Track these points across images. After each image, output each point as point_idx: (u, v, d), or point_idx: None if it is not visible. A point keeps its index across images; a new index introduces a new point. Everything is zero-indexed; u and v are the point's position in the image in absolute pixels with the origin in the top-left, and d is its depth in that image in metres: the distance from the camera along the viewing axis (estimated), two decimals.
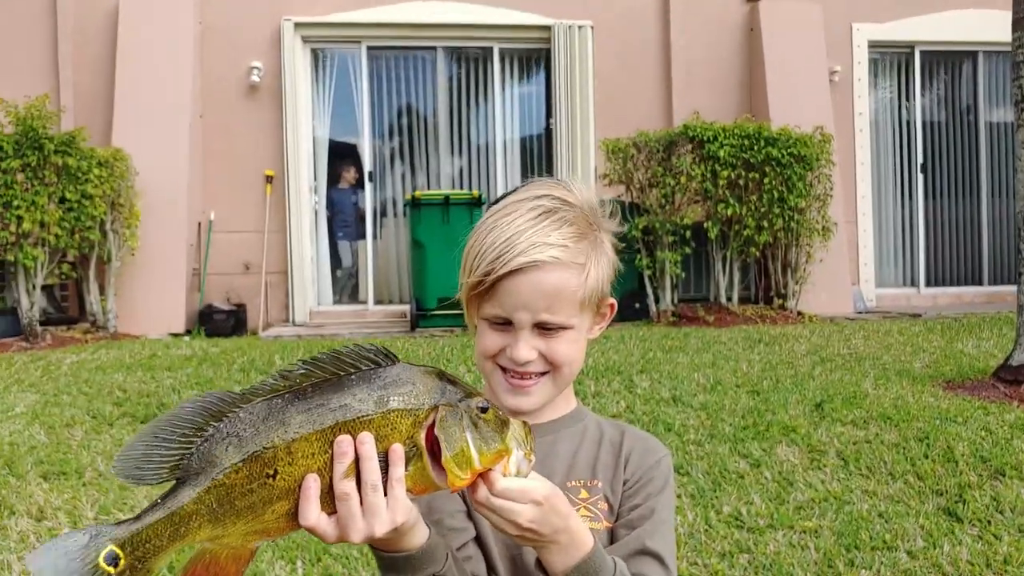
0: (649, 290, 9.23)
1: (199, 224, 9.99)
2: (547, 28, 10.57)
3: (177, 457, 0.98)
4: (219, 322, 9.48)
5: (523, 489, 1.06)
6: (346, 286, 11.13)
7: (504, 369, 1.28)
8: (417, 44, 10.81)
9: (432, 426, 1.03)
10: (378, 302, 10.79)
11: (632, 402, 5.25)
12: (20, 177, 8.05)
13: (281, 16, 10.20)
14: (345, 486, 0.99)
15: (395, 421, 1.01)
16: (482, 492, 1.05)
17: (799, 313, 9.50)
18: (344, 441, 0.99)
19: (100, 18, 9.92)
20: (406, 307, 10.08)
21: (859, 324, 8.83)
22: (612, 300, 1.36)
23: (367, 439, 0.99)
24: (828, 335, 7.81)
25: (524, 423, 1.10)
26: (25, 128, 8.03)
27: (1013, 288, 9.97)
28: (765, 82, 10.48)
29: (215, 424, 0.98)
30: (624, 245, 1.62)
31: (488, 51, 10.91)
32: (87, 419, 4.97)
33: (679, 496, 3.94)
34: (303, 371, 1.01)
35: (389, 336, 8.61)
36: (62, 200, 8.23)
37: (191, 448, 0.98)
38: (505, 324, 1.26)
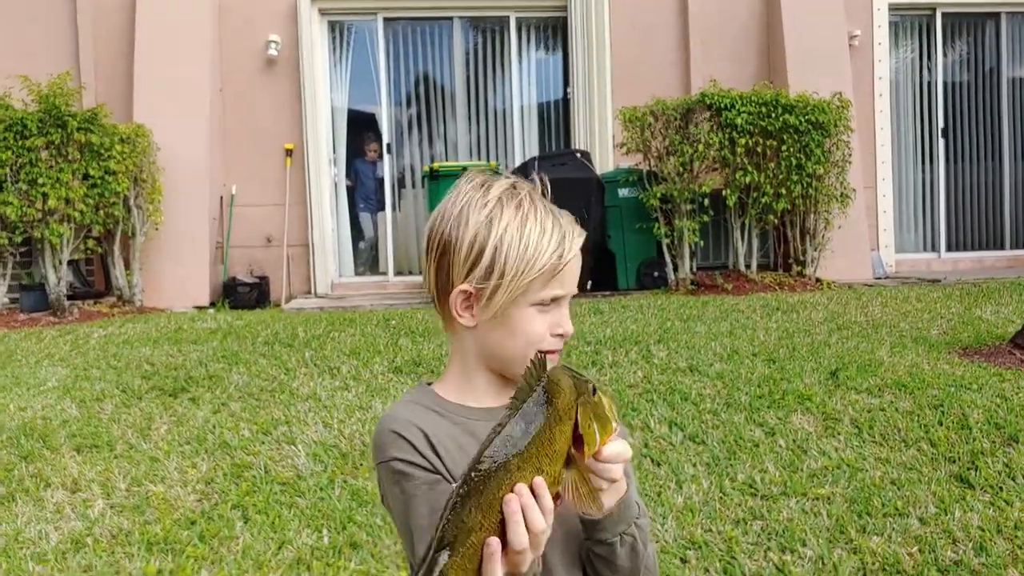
0: (668, 258, 9.27)
1: (221, 198, 10.10)
2: None
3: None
4: (243, 294, 9.61)
5: (619, 452, 1.20)
6: (367, 258, 11.23)
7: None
8: (433, 15, 10.82)
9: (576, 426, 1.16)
10: (398, 273, 10.89)
11: (649, 372, 5.32)
12: (44, 155, 8.17)
13: None
14: (523, 543, 1.11)
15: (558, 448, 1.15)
16: (587, 459, 1.18)
17: (818, 280, 9.51)
18: (511, 500, 1.10)
19: None
20: None
21: (877, 290, 8.85)
22: None
23: (523, 491, 1.11)
24: (846, 302, 7.83)
25: (608, 393, 1.21)
26: (48, 106, 8.14)
27: None
28: (783, 48, 10.41)
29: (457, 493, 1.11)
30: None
31: (504, 20, 10.90)
32: (117, 393, 5.10)
33: (694, 465, 4.02)
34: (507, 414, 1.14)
35: (410, 307, 8.71)
36: (86, 176, 8.35)
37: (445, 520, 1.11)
38: (548, 305, 1.37)
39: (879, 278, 10.28)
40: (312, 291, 10.36)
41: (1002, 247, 11.70)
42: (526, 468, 1.10)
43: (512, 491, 1.10)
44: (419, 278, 10.59)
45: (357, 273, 11.02)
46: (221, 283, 9.83)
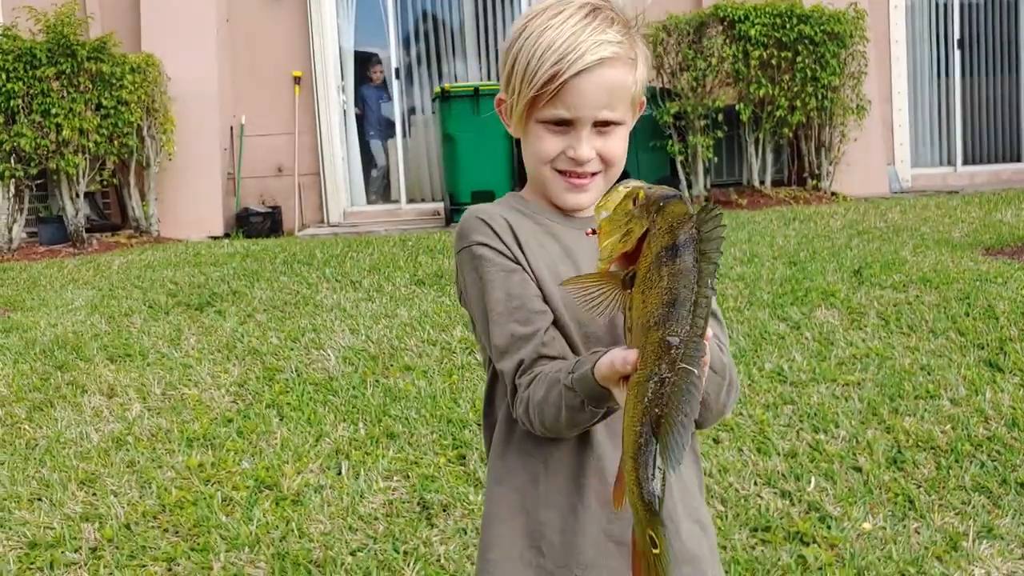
0: (681, 176, 9.21)
1: (231, 128, 10.04)
2: None
3: None
4: (256, 224, 9.60)
5: None
6: (379, 186, 11.19)
7: (561, 172, 1.34)
8: None
9: None
10: (410, 201, 10.84)
11: None
12: (55, 85, 8.12)
13: None
14: None
15: None
16: None
17: (833, 194, 9.45)
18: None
19: None
20: (439, 205, 10.13)
21: (895, 201, 8.80)
22: (643, 98, 1.39)
23: None
24: (864, 211, 7.80)
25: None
26: (56, 35, 8.07)
27: None
28: None
29: None
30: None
31: None
32: (144, 309, 5.14)
33: None
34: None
35: (425, 232, 8.70)
36: (98, 107, 8.31)
37: None
38: (563, 125, 1.31)
39: (895, 192, 10.20)
40: (325, 220, 10.35)
41: (1019, 160, 11.56)
42: None
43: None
44: (432, 205, 10.59)
45: (369, 201, 10.98)
46: (234, 214, 9.82)
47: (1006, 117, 11.66)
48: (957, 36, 11.39)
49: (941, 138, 11.49)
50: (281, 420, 3.60)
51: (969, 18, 11.47)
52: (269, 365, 4.15)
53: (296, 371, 4.07)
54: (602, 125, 1.32)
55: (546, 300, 1.31)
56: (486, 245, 1.32)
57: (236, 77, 10.14)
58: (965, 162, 11.46)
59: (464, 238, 1.34)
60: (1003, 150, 11.65)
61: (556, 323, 1.30)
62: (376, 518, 2.90)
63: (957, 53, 11.41)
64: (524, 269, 1.31)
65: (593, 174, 1.34)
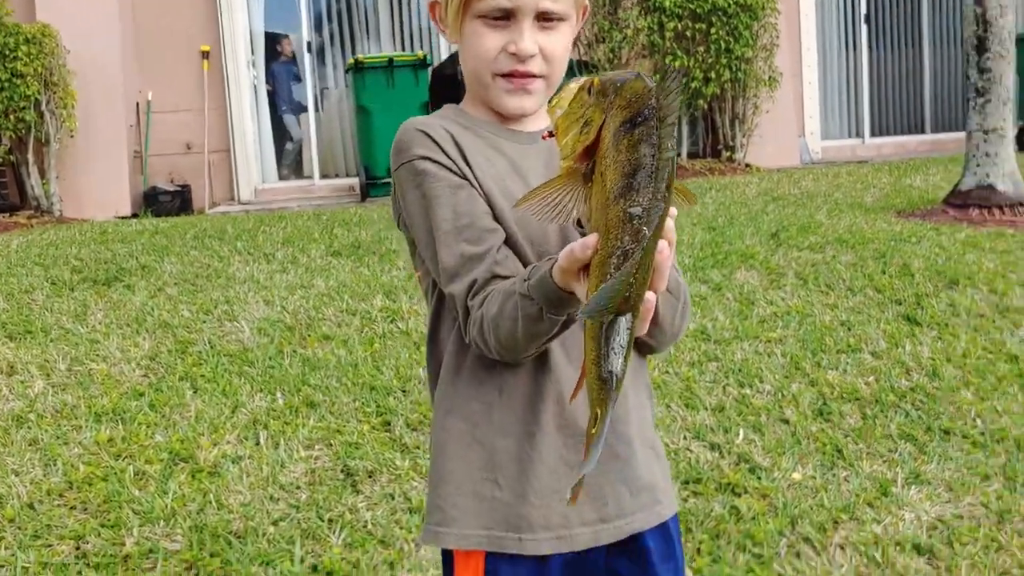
0: None
1: (137, 104, 9.66)
2: None
3: None
4: (165, 203, 9.26)
5: None
6: (291, 161, 10.92)
7: (503, 76, 1.25)
8: None
9: None
10: (324, 176, 10.60)
11: None
12: None
13: None
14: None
15: None
16: None
17: (747, 165, 9.57)
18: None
19: None
20: (353, 180, 9.94)
21: (807, 170, 8.96)
22: (586, 3, 1.31)
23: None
24: (778, 180, 7.91)
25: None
26: None
27: (954, 135, 10.11)
28: None
29: None
30: None
31: None
32: (46, 285, 4.88)
33: None
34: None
35: (340, 206, 8.52)
36: None
37: None
38: (503, 19, 1.22)
39: (806, 164, 10.38)
40: (235, 198, 10.04)
41: (923, 131, 11.91)
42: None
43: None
44: (346, 180, 10.37)
45: (281, 177, 10.69)
46: (142, 192, 9.45)
47: (911, 90, 11.97)
48: (864, 11, 11.63)
49: (849, 110, 11.73)
50: (195, 392, 3.45)
51: None
52: (181, 338, 3.97)
53: (209, 343, 3.91)
54: (545, 20, 1.23)
55: (496, 218, 1.22)
56: (429, 159, 1.22)
57: (140, 51, 9.74)
58: (872, 134, 11.73)
59: (403, 152, 1.24)
60: (908, 122, 11.97)
61: (508, 242, 1.22)
62: (298, 487, 2.79)
63: (864, 28, 11.66)
64: (472, 184, 1.22)
65: (536, 77, 1.25)
